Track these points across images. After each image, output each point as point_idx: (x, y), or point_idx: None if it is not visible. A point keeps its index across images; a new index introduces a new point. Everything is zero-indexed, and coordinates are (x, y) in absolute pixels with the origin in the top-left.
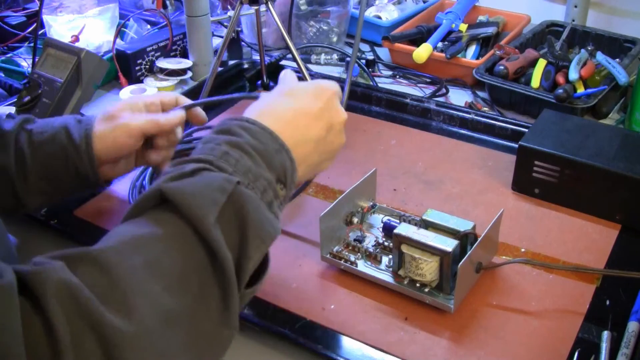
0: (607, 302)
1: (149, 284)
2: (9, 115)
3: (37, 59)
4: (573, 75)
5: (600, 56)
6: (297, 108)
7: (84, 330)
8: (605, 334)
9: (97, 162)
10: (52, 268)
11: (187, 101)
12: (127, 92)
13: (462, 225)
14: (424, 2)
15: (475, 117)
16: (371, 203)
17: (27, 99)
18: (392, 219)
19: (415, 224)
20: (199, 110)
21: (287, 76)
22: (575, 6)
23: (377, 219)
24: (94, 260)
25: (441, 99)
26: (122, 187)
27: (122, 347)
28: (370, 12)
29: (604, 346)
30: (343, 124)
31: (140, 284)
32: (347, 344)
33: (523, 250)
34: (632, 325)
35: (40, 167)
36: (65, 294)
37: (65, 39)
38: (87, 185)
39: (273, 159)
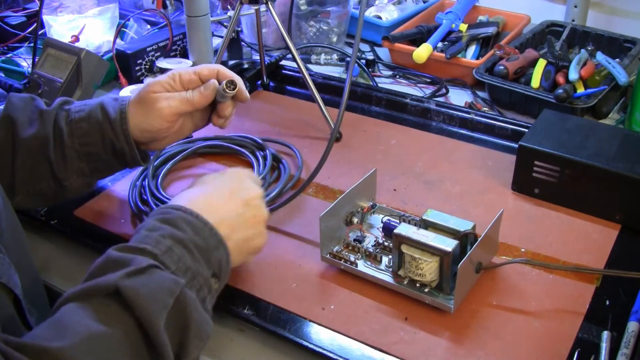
0: (607, 302)
1: None
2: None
3: (37, 59)
4: (573, 75)
5: (600, 56)
6: (212, 192)
7: None
8: (605, 334)
9: (134, 141)
10: None
11: (228, 72)
12: (127, 92)
13: (462, 225)
14: (424, 2)
15: (475, 117)
16: (371, 203)
17: None
18: (392, 219)
19: (415, 224)
20: (241, 87)
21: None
22: (575, 6)
23: (377, 219)
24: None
25: (441, 99)
26: (122, 187)
27: None
28: (370, 12)
29: (604, 346)
30: (259, 198)
31: None
32: (347, 344)
33: (523, 250)
34: (632, 325)
35: (78, 145)
36: None
37: (65, 39)
38: (125, 162)
39: (211, 256)
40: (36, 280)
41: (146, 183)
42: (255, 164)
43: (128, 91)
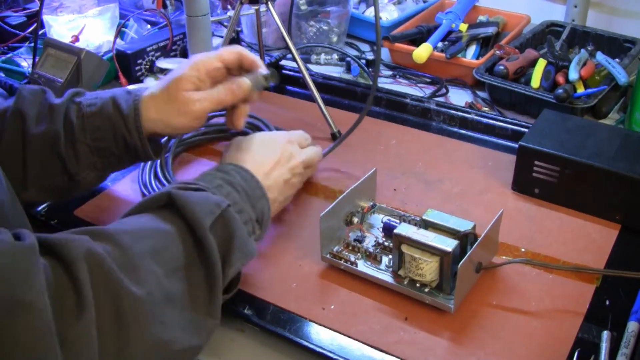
0: (607, 302)
1: (154, 266)
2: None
3: (37, 59)
4: (573, 75)
5: (600, 56)
6: (262, 158)
7: (105, 290)
8: (605, 334)
9: (147, 134)
10: (80, 239)
11: (250, 55)
12: None
13: (462, 225)
14: (424, 2)
15: (475, 117)
16: (371, 203)
17: None
18: (392, 219)
19: (415, 224)
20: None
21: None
22: (575, 6)
23: (377, 219)
24: (112, 238)
25: (441, 99)
26: (122, 187)
27: (133, 308)
28: (370, 12)
29: (604, 346)
30: (301, 166)
31: (148, 265)
32: (347, 344)
33: (523, 250)
34: (631, 325)
35: (89, 140)
36: (92, 261)
37: (65, 39)
38: (137, 157)
39: (256, 202)
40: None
41: (159, 171)
42: None
43: None
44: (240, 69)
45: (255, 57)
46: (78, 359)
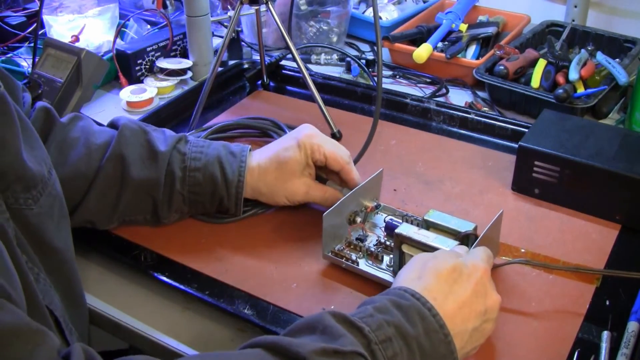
0: (607, 302)
1: None
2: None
3: (37, 59)
4: (573, 75)
5: (600, 56)
6: (454, 292)
7: None
8: (605, 334)
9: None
10: None
11: (352, 174)
12: (127, 92)
13: (464, 226)
14: (424, 2)
15: (475, 117)
16: (375, 203)
17: None
18: (395, 219)
19: (418, 224)
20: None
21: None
22: (575, 6)
23: (381, 219)
24: None
25: (441, 99)
26: None
27: None
28: (370, 12)
29: (604, 346)
30: (496, 309)
31: None
32: None
33: (523, 250)
34: (631, 325)
35: (187, 192)
36: None
37: (65, 39)
38: (226, 214)
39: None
40: (79, 302)
41: None
42: None
43: (128, 91)
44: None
45: (355, 176)
46: None
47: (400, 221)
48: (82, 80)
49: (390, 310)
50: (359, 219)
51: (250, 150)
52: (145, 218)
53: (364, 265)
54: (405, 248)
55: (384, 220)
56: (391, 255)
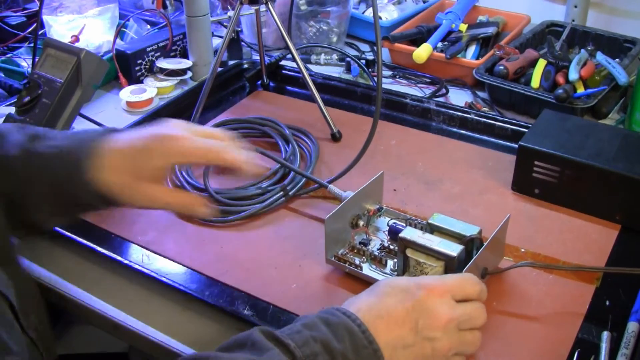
0: (607, 303)
1: None
2: (9, 116)
3: (37, 59)
4: (573, 75)
5: (600, 56)
6: (389, 307)
7: None
8: (605, 334)
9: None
10: None
11: (227, 151)
12: (127, 92)
13: (469, 229)
14: (424, 2)
15: (475, 117)
16: (377, 206)
17: (27, 99)
18: (398, 223)
19: (421, 228)
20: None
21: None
22: (575, 6)
23: (383, 222)
24: None
25: (441, 99)
26: None
27: None
28: (370, 12)
29: (604, 346)
30: (441, 329)
31: None
32: None
33: (523, 250)
34: (631, 326)
35: (47, 192)
36: None
37: (65, 39)
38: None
39: None
40: (28, 283)
41: (176, 167)
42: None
43: (128, 91)
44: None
45: (232, 157)
46: None
47: (404, 225)
48: (82, 81)
49: (318, 327)
50: (361, 223)
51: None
52: (22, 230)
53: (367, 269)
54: (409, 252)
55: (388, 224)
56: (395, 260)
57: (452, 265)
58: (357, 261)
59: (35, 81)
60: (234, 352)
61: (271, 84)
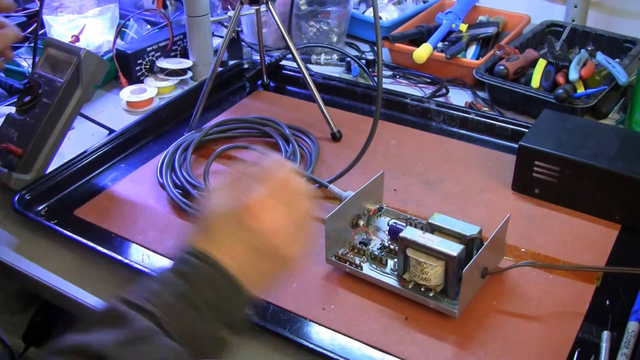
0: (607, 302)
1: None
2: (9, 117)
3: (37, 59)
4: (573, 75)
5: (600, 56)
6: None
7: None
8: (605, 334)
9: None
10: None
11: None
12: (127, 92)
13: (469, 229)
14: (424, 2)
15: (475, 117)
16: (377, 206)
17: (27, 99)
18: (399, 222)
19: (422, 228)
20: None
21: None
22: (575, 6)
23: (384, 222)
24: None
25: (441, 99)
26: (122, 187)
27: None
28: (370, 12)
29: (604, 346)
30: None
31: None
32: (348, 343)
33: (523, 250)
34: (632, 325)
35: None
36: None
37: (65, 39)
38: None
39: (226, 308)
40: None
41: (176, 167)
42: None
43: (128, 91)
44: None
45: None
46: None
47: (404, 225)
48: (82, 80)
49: (173, 282)
50: (361, 222)
51: None
52: None
53: (367, 269)
54: (409, 252)
55: (388, 224)
56: (395, 259)
57: (452, 264)
58: (357, 261)
59: (35, 81)
60: (95, 332)
61: (271, 84)
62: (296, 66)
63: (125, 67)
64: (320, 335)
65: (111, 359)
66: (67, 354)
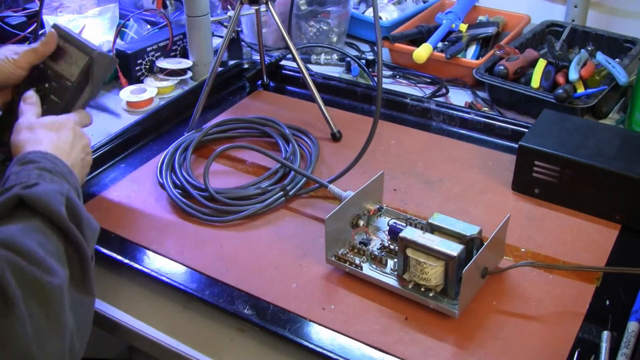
0: (607, 302)
1: (47, 258)
2: None
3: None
4: (573, 75)
5: (600, 56)
6: (63, 140)
7: (26, 285)
8: (605, 334)
9: None
10: None
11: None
12: (127, 92)
13: (469, 229)
14: (424, 2)
15: (475, 117)
16: (377, 206)
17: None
18: (399, 222)
19: (422, 228)
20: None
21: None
22: (575, 6)
23: (383, 222)
24: (13, 243)
25: (441, 99)
26: (121, 187)
27: (54, 295)
28: (370, 12)
29: (604, 346)
30: (89, 145)
31: (44, 256)
32: (347, 343)
33: (523, 250)
34: (632, 325)
35: None
36: (10, 265)
37: None
38: None
39: (71, 179)
40: None
41: (176, 167)
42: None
43: (128, 91)
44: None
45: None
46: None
47: (404, 225)
48: (92, 81)
49: (27, 167)
50: (361, 223)
51: None
52: None
53: (367, 269)
54: (409, 252)
55: (388, 224)
56: (395, 260)
57: (452, 264)
58: (357, 261)
59: (44, 71)
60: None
61: (271, 83)
62: (296, 66)
63: (125, 67)
64: (320, 335)
65: (23, 196)
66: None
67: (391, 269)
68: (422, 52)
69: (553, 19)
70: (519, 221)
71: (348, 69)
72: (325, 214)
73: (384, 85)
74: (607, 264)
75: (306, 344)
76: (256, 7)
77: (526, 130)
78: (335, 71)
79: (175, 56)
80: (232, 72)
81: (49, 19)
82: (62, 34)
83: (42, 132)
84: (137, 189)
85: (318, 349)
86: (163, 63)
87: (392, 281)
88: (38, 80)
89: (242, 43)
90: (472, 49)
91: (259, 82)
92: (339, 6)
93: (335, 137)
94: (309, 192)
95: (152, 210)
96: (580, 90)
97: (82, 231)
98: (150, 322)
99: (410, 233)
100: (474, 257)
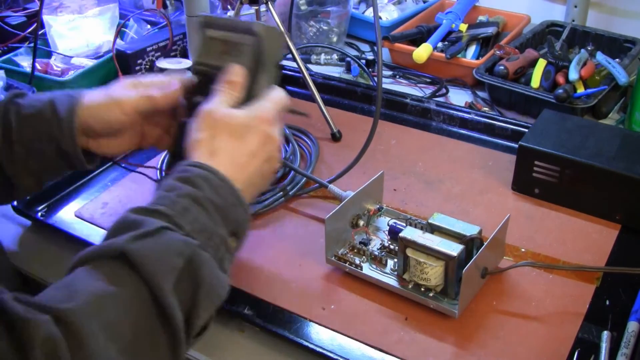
0: (607, 302)
1: (107, 348)
2: None
3: (199, 48)
4: (573, 75)
5: (600, 56)
6: (235, 148)
7: None
8: (605, 334)
9: (81, 137)
10: (40, 321)
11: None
12: None
13: (469, 229)
14: (424, 2)
15: (475, 117)
16: (378, 206)
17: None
18: (399, 222)
19: (422, 228)
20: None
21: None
22: (575, 6)
23: (383, 222)
24: (64, 320)
25: (441, 99)
26: (122, 187)
27: None
28: (370, 12)
29: (604, 346)
30: (278, 150)
31: (100, 349)
32: (347, 343)
33: (523, 250)
34: (631, 325)
35: (26, 143)
36: (49, 349)
37: (66, 38)
38: (71, 164)
39: (229, 214)
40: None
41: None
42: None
43: None
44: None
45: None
46: None
47: (404, 224)
48: (265, 62)
49: (178, 186)
50: (361, 223)
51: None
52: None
53: (367, 269)
54: (409, 252)
55: (388, 224)
56: (395, 260)
57: (452, 265)
58: (357, 261)
59: (202, 72)
60: (120, 236)
61: None
62: (296, 66)
63: (125, 67)
64: (320, 335)
65: (129, 253)
66: (83, 263)
67: (391, 269)
68: (422, 52)
69: (553, 19)
70: (519, 221)
71: (348, 69)
72: (325, 214)
73: (384, 85)
74: (607, 264)
75: (306, 344)
76: (256, 7)
77: (526, 130)
78: (335, 71)
79: (175, 56)
80: None
81: (49, 19)
82: (210, 20)
83: (222, 140)
84: (137, 189)
85: (318, 349)
86: (163, 63)
87: (392, 281)
88: (201, 86)
89: None
90: (472, 49)
91: None
92: (339, 6)
93: (335, 137)
94: (309, 192)
95: None
96: (580, 90)
97: (192, 306)
98: None
99: (410, 233)
100: (474, 257)
